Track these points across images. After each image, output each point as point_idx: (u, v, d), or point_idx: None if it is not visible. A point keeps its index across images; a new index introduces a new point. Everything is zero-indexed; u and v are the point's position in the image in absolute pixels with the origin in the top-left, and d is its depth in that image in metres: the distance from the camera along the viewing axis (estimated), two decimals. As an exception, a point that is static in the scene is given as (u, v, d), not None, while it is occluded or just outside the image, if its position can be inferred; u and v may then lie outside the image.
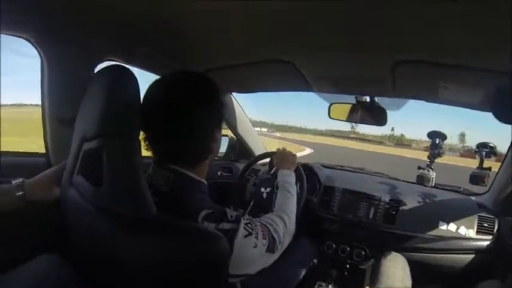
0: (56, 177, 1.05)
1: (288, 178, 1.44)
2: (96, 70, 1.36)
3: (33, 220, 1.09)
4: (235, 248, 0.88)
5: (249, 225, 0.96)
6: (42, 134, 1.37)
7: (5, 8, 0.99)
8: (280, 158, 1.61)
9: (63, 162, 1.05)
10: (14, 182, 1.02)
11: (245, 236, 0.92)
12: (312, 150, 26.60)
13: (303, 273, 1.71)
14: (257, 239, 0.95)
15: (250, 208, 1.77)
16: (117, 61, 1.45)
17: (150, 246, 0.79)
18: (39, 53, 1.26)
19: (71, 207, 0.92)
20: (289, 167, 1.53)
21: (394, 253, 1.78)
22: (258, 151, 2.62)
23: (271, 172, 1.81)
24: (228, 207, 1.56)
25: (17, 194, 1.00)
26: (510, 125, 1.23)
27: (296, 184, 1.49)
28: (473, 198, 2.18)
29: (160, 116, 0.93)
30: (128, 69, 0.84)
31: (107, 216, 0.81)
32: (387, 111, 1.93)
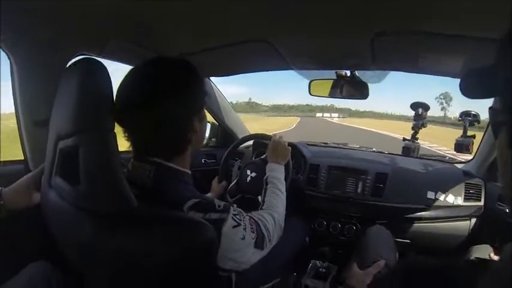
0: (35, 182, 1.03)
1: (277, 174, 1.44)
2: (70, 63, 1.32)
3: (18, 228, 1.07)
4: (222, 238, 0.88)
5: (238, 216, 0.95)
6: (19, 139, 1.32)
7: None
8: (273, 149, 1.59)
9: (41, 166, 1.02)
10: None
11: (233, 227, 0.91)
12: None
13: (296, 252, 1.71)
14: (245, 230, 0.94)
15: (234, 191, 1.81)
16: (90, 55, 1.40)
17: (134, 240, 0.78)
18: (6, 55, 1.21)
19: (52, 210, 0.90)
20: (279, 161, 1.52)
21: (377, 226, 1.79)
22: (241, 134, 2.60)
23: (260, 157, 1.83)
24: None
25: None
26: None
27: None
28: (459, 166, 2.20)
29: (135, 107, 0.90)
30: (98, 61, 0.82)
31: (88, 215, 0.79)
32: (368, 84, 1.92)
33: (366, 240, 1.66)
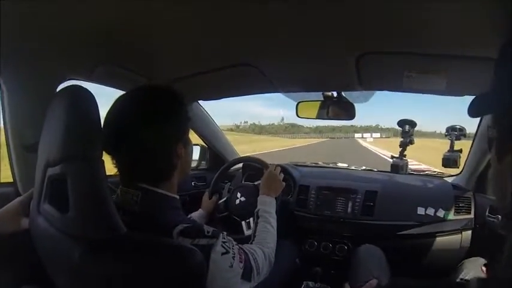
0: (23, 207, 1.02)
1: (269, 208, 1.43)
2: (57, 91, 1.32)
3: (6, 253, 1.04)
4: (211, 264, 0.87)
5: (227, 244, 0.95)
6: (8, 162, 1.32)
7: None
8: (268, 180, 1.60)
9: (30, 191, 1.02)
10: None
11: (222, 254, 0.91)
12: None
13: (287, 274, 1.71)
14: (234, 259, 0.94)
15: (222, 209, 1.80)
16: (79, 80, 1.42)
17: (123, 266, 0.78)
18: None
19: (41, 236, 0.89)
20: (272, 193, 1.52)
21: (368, 245, 1.79)
22: (230, 156, 2.61)
23: (253, 182, 1.84)
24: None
25: None
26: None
27: None
28: (448, 179, 2.22)
29: (120, 134, 0.92)
30: (86, 89, 0.82)
31: (76, 242, 0.78)
32: (355, 104, 1.94)
33: (357, 260, 1.66)
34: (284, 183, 1.64)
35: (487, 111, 0.55)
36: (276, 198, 1.53)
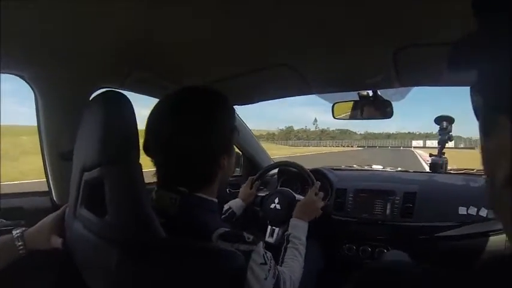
0: (57, 225, 1.02)
1: (300, 234, 1.41)
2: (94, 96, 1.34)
3: (39, 264, 1.04)
4: (248, 272, 0.85)
5: (266, 255, 0.92)
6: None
7: None
8: (305, 204, 1.59)
9: (63, 207, 1.03)
10: (14, 232, 0.99)
11: (260, 263, 0.89)
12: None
13: (314, 278, 1.69)
14: (269, 272, 0.92)
15: (256, 208, 1.83)
16: (112, 88, 1.43)
17: (162, 270, 0.77)
18: (32, 89, 1.24)
19: (77, 242, 0.89)
20: (305, 218, 1.50)
21: (394, 251, 1.73)
22: (265, 163, 2.58)
23: (296, 196, 1.82)
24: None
25: (18, 244, 0.97)
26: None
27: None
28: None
29: (166, 137, 0.91)
30: (122, 94, 0.83)
31: (115, 247, 0.78)
32: (392, 102, 1.90)
33: None
34: (321, 211, 1.63)
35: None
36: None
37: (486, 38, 0.35)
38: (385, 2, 0.93)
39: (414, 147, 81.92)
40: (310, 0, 0.91)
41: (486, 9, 0.35)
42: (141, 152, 0.86)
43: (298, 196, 1.78)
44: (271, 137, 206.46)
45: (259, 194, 1.90)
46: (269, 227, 1.73)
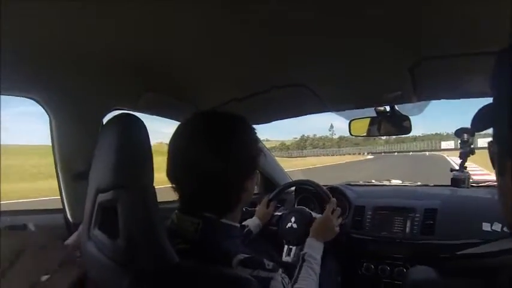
0: (71, 251, 1.04)
1: (315, 253, 1.41)
2: (104, 120, 1.37)
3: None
4: None
5: (285, 280, 0.91)
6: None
7: (14, 70, 1.01)
8: (322, 224, 1.58)
9: (74, 234, 1.06)
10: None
11: None
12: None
13: None
14: None
15: (273, 228, 1.82)
16: (126, 109, 1.44)
17: None
18: (46, 111, 1.27)
19: (91, 262, 0.89)
20: (321, 239, 1.49)
21: (419, 267, 1.67)
22: (282, 181, 2.54)
23: (313, 214, 1.80)
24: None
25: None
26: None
27: None
28: None
29: (186, 164, 0.90)
30: (137, 117, 0.83)
31: (125, 270, 0.77)
32: (410, 117, 1.87)
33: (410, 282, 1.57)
34: (338, 230, 1.61)
35: (489, 125, 0.51)
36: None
37: (501, 107, 0.46)
38: (399, 17, 0.92)
39: (443, 149, 73.55)
40: (327, 21, 0.91)
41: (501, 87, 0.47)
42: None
43: (315, 214, 1.76)
44: (285, 148, 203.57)
45: (276, 213, 1.89)
46: (286, 246, 1.72)
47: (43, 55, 0.98)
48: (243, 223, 1.72)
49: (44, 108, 1.26)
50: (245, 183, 0.95)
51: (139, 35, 0.94)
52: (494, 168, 0.49)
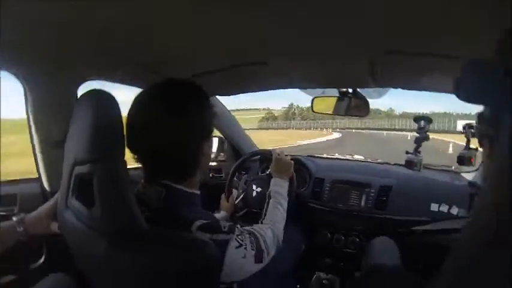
0: (54, 212, 1.09)
1: (280, 189, 1.48)
2: (78, 90, 1.40)
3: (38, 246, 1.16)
4: (226, 258, 0.93)
5: (240, 236, 1.00)
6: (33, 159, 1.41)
7: None
8: (276, 165, 1.63)
9: (56, 195, 1.09)
10: (14, 218, 1.09)
11: (236, 247, 0.96)
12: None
13: (294, 258, 1.78)
14: (246, 249, 0.99)
15: (241, 206, 1.87)
16: (100, 80, 1.47)
17: (142, 259, 0.84)
18: (21, 83, 1.29)
19: (69, 229, 0.96)
20: (283, 176, 1.55)
21: (382, 237, 1.81)
22: (248, 149, 2.63)
23: (266, 172, 1.89)
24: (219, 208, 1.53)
25: (18, 230, 1.07)
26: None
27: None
28: (465, 176, 2.18)
29: (144, 132, 0.94)
30: (109, 94, 0.88)
31: (101, 236, 0.85)
32: (369, 100, 1.97)
33: (370, 252, 1.69)
34: (292, 162, 1.67)
35: (484, 101, 0.47)
36: (290, 182, 1.58)
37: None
38: (365, 10, 0.94)
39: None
40: (290, 3, 0.93)
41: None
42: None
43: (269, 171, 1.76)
44: (271, 117, 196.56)
45: (238, 200, 1.94)
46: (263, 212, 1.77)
47: (17, 26, 0.99)
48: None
49: (19, 80, 1.28)
50: (202, 144, 1.01)
51: (112, 7, 0.95)
52: (482, 149, 0.48)
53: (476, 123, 0.50)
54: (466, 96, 0.48)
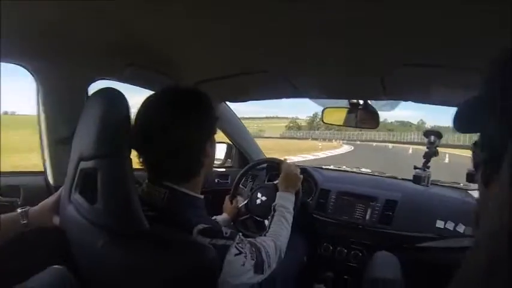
0: (57, 206, 1.10)
1: (286, 203, 1.46)
2: (89, 89, 1.42)
3: (39, 238, 1.13)
4: (225, 263, 0.92)
5: (240, 244, 1.00)
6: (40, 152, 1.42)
7: (7, 38, 1.04)
8: (284, 177, 1.61)
9: (61, 188, 1.09)
10: (19, 210, 1.09)
11: (235, 254, 0.96)
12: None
13: (294, 269, 1.77)
14: (246, 258, 0.99)
15: (243, 211, 1.85)
16: (110, 79, 1.49)
17: (143, 257, 0.85)
18: (34, 78, 1.31)
19: (70, 223, 0.97)
20: (290, 189, 1.54)
21: (384, 252, 1.78)
22: (255, 156, 2.63)
23: (272, 181, 1.87)
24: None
25: (22, 222, 1.07)
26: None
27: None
28: (473, 193, 2.15)
29: (150, 134, 0.96)
30: (119, 92, 0.89)
31: (101, 232, 0.86)
32: (379, 112, 1.96)
33: (372, 267, 1.67)
34: (302, 176, 1.66)
35: (476, 130, 0.48)
36: (296, 195, 1.56)
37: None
38: (378, 24, 0.95)
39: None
40: (301, 13, 0.93)
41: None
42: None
43: (277, 181, 1.73)
44: (296, 126, 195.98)
45: (241, 204, 1.91)
46: (265, 221, 1.73)
47: (31, 23, 1.01)
48: (214, 217, 1.75)
49: (31, 74, 1.30)
50: (205, 145, 1.03)
51: (126, 8, 0.96)
52: (477, 173, 0.47)
53: (471, 150, 0.50)
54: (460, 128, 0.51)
